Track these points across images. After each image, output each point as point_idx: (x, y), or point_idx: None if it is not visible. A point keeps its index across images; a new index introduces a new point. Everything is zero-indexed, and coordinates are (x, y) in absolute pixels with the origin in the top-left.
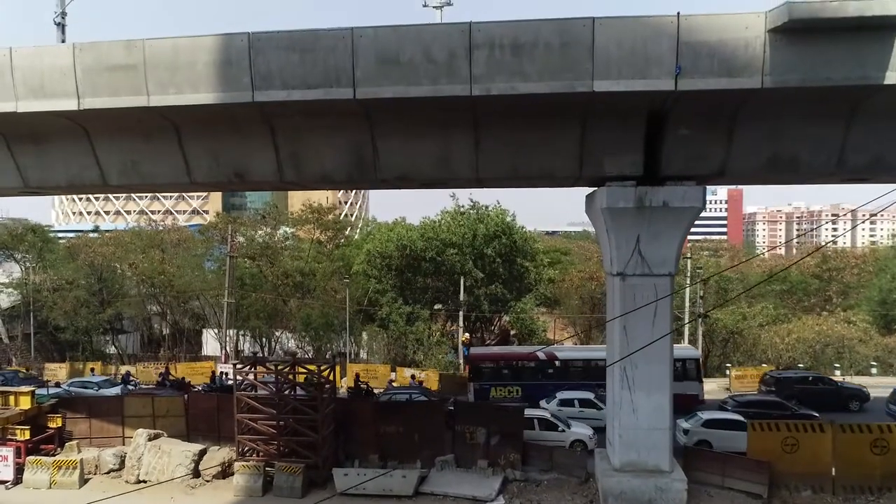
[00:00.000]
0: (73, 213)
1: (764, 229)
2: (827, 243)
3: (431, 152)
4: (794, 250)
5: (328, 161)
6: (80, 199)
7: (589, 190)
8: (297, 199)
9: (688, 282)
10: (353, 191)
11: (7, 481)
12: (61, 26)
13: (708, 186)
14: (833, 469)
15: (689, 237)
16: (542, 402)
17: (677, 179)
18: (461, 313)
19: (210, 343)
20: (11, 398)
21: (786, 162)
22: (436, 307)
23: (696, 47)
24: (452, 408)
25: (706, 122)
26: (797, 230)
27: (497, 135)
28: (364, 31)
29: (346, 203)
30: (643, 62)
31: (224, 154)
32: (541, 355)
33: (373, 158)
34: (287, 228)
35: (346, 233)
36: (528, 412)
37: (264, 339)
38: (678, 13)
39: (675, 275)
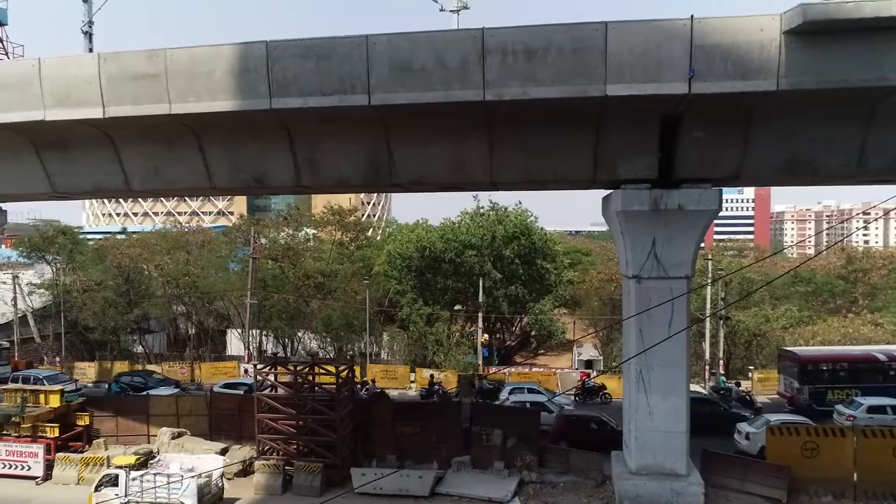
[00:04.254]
0: (103, 215)
1: (792, 228)
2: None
3: (446, 157)
4: (824, 249)
5: (344, 166)
6: (109, 202)
7: (607, 192)
8: (320, 201)
9: (708, 283)
10: (375, 194)
11: (37, 477)
12: (88, 35)
13: (736, 187)
14: (855, 475)
15: (715, 237)
16: (840, 407)
17: (692, 182)
18: (480, 314)
19: (234, 343)
20: (41, 396)
21: (803, 164)
22: (455, 308)
23: (709, 50)
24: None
25: (721, 124)
26: (826, 229)
27: (510, 139)
28: (378, 38)
29: (368, 204)
30: (656, 66)
31: (243, 160)
32: (880, 356)
33: (388, 163)
34: (309, 230)
35: (369, 234)
36: (788, 418)
37: (287, 340)
38: (692, 16)
39: (691, 277)
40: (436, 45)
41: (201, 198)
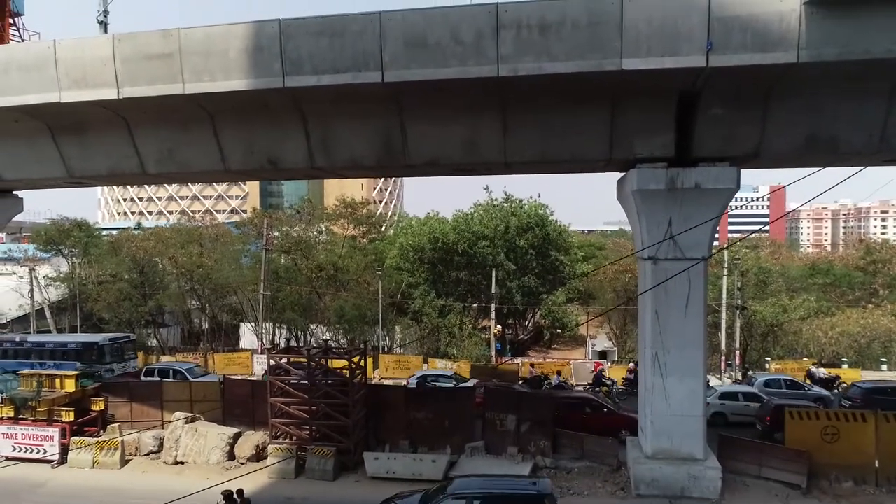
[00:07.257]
0: (119, 214)
1: (808, 227)
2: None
3: (460, 136)
4: (841, 247)
5: (357, 147)
6: (125, 200)
7: (620, 175)
8: (332, 192)
9: (724, 273)
10: (388, 190)
11: (53, 460)
12: (104, 25)
13: (751, 185)
14: (876, 461)
15: (729, 233)
16: None
17: (710, 161)
18: (493, 305)
19: (247, 336)
20: (57, 381)
21: (824, 141)
22: (468, 303)
23: (727, 22)
24: None
25: (740, 100)
26: (843, 228)
27: (525, 118)
28: (392, 14)
29: (380, 202)
30: (673, 39)
31: (257, 141)
32: None
33: (401, 143)
34: (322, 225)
35: (382, 229)
36: None
37: (299, 332)
38: None
39: (708, 259)
40: (450, 20)
41: (215, 196)
